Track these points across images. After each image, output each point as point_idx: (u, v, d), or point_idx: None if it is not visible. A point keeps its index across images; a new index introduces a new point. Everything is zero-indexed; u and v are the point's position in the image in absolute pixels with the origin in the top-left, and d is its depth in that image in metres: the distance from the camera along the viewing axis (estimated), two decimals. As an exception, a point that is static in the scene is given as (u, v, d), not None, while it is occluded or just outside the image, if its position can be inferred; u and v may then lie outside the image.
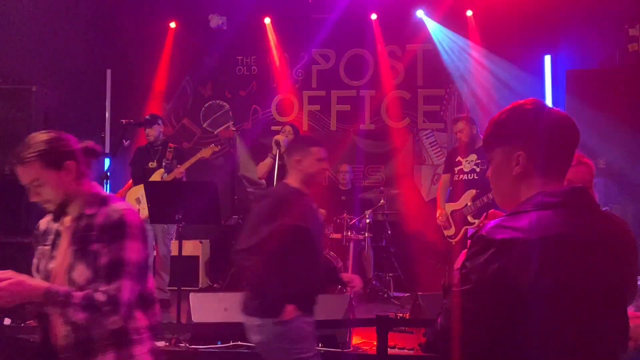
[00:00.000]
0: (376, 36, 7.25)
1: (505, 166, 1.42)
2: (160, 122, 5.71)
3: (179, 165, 5.46)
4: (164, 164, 5.51)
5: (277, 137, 5.13)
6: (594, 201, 1.41)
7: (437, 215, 5.10)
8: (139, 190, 5.33)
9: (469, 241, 1.65)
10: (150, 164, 5.57)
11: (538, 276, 1.24)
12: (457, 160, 5.07)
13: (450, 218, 5.02)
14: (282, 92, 7.59)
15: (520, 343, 1.27)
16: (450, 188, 5.17)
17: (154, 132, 5.57)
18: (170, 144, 5.67)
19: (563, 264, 1.27)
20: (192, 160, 5.46)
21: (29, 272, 4.92)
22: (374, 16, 7.17)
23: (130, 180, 5.70)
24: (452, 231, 4.99)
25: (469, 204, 4.84)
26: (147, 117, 5.71)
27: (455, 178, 5.05)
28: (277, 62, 7.46)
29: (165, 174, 5.52)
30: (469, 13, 6.98)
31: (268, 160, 5.19)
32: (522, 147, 1.39)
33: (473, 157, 4.95)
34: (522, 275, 1.24)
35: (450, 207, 5.03)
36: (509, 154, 1.41)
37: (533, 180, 1.39)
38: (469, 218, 4.83)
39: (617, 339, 1.34)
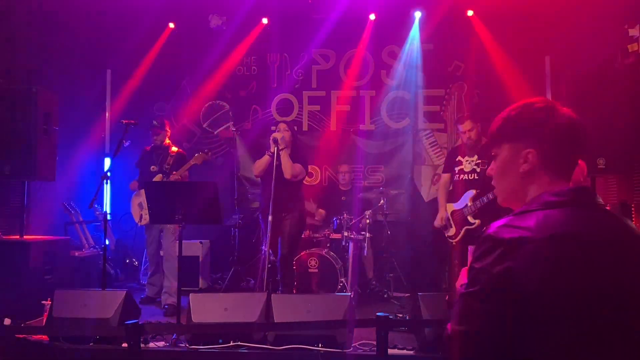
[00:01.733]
0: (376, 36, 7.25)
1: (511, 163, 1.42)
2: (166, 127, 5.87)
3: (174, 172, 5.56)
4: (164, 168, 5.61)
5: (274, 134, 5.08)
6: (599, 200, 1.38)
7: (438, 218, 5.08)
8: (142, 196, 5.39)
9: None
10: (152, 167, 5.69)
11: (547, 275, 1.22)
12: (457, 160, 5.06)
13: (450, 218, 5.01)
14: (282, 92, 7.60)
15: (532, 345, 1.24)
16: (450, 188, 5.16)
17: (161, 138, 5.75)
18: (172, 150, 5.77)
19: (573, 263, 1.24)
20: (185, 167, 5.55)
21: (27, 272, 4.92)
22: (372, 16, 7.17)
23: None
24: (452, 231, 4.99)
25: (469, 204, 4.84)
26: (156, 122, 5.81)
27: (456, 178, 5.04)
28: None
29: (165, 180, 5.58)
30: (470, 13, 6.99)
31: (265, 158, 5.09)
32: (533, 145, 1.38)
33: (474, 157, 4.94)
34: (531, 274, 1.22)
35: (451, 207, 5.03)
36: (517, 151, 1.40)
37: (540, 179, 1.38)
38: (469, 218, 4.83)
39: None
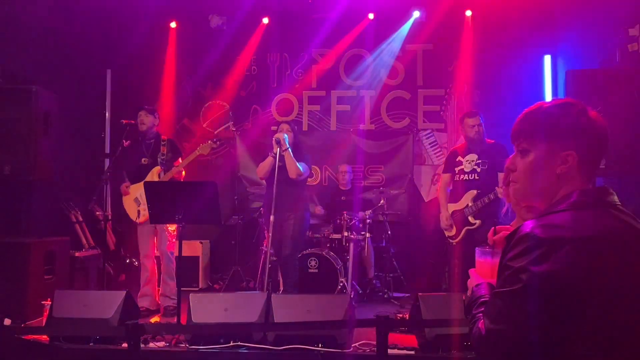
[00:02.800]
0: (376, 36, 7.25)
1: (546, 162, 1.41)
2: (156, 114, 5.48)
3: (179, 161, 5.20)
4: (159, 160, 5.25)
5: (277, 135, 5.07)
6: (616, 199, 1.40)
7: (442, 218, 5.06)
8: (137, 191, 5.22)
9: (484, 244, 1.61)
10: (143, 160, 5.30)
11: (588, 275, 1.24)
12: (457, 160, 5.06)
13: (451, 219, 5.01)
14: (282, 92, 7.60)
15: (570, 343, 1.25)
16: (451, 188, 5.16)
17: (148, 121, 5.32)
18: (163, 137, 5.38)
19: (613, 263, 1.26)
20: (191, 157, 5.19)
21: (27, 272, 4.92)
22: (371, 16, 7.17)
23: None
24: (453, 232, 4.98)
25: (470, 204, 4.84)
26: (146, 106, 5.47)
27: (456, 178, 5.04)
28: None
29: (163, 172, 5.24)
30: (468, 13, 6.98)
31: (269, 160, 5.11)
32: (574, 147, 1.38)
33: (474, 156, 4.93)
34: (572, 274, 1.23)
35: (451, 207, 5.02)
36: (555, 151, 1.40)
37: (573, 180, 1.39)
38: (470, 219, 4.83)
39: None
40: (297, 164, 5.05)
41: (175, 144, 5.50)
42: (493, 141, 5.02)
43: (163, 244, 5.28)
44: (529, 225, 1.31)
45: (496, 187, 4.66)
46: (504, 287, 1.30)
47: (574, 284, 1.23)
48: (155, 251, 5.38)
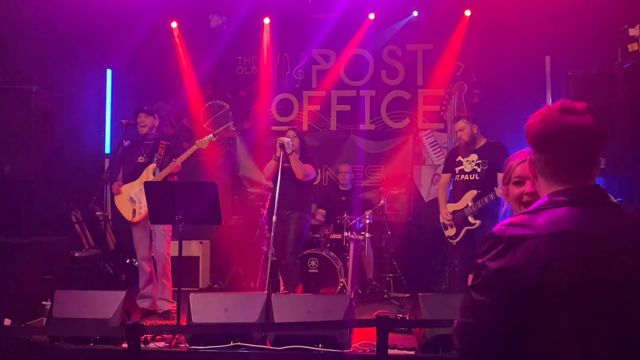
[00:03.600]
0: (376, 36, 7.25)
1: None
2: (156, 116, 5.50)
3: (174, 160, 5.16)
4: (155, 159, 5.25)
5: (281, 138, 5.16)
6: (608, 198, 1.40)
7: (442, 215, 5.08)
8: (131, 189, 5.23)
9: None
10: (140, 158, 5.29)
11: (546, 271, 1.27)
12: (457, 160, 5.06)
13: (450, 215, 5.02)
14: (282, 92, 7.59)
15: (531, 338, 1.28)
16: (451, 188, 5.16)
17: (149, 122, 5.33)
18: (162, 141, 5.39)
19: (570, 259, 1.28)
20: (189, 152, 5.16)
21: (27, 272, 4.92)
22: (372, 16, 7.17)
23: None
24: (452, 232, 4.98)
25: (470, 204, 4.84)
26: (146, 107, 5.46)
27: (456, 178, 5.04)
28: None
29: (158, 170, 5.21)
30: (468, 13, 6.98)
31: (273, 162, 5.24)
32: (532, 151, 1.47)
33: (474, 156, 4.94)
34: (530, 270, 1.27)
35: (451, 207, 5.02)
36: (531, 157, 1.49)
37: (545, 181, 1.44)
38: (470, 219, 4.83)
39: None
40: (303, 165, 5.21)
41: (174, 149, 5.45)
42: (493, 141, 5.02)
43: (159, 244, 5.23)
44: (499, 224, 1.38)
45: (495, 188, 4.67)
46: (472, 282, 1.37)
47: (530, 280, 1.27)
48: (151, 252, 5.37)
